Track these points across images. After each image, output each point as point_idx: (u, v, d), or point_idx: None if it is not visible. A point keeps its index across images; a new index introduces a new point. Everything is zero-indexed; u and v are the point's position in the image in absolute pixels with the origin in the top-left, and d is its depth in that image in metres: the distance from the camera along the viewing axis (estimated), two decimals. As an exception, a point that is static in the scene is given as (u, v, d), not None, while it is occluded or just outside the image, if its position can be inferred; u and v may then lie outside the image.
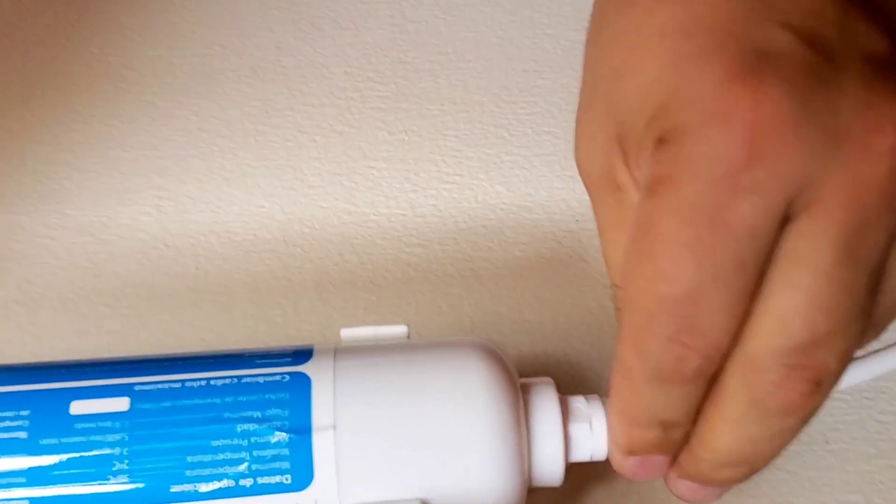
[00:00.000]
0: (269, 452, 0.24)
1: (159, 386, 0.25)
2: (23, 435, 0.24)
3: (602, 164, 0.24)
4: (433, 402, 0.25)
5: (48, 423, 0.24)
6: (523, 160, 0.38)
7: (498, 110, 0.40)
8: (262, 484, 0.24)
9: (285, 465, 0.24)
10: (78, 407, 0.24)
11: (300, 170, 0.38)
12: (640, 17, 0.22)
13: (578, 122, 0.25)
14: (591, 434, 0.26)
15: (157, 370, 0.25)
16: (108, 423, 0.24)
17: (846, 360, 0.22)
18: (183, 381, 0.25)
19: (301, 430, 0.24)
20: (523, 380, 0.27)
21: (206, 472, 0.24)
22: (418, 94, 0.41)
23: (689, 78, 0.21)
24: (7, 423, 0.24)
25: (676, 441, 0.24)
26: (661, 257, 0.21)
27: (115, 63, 0.42)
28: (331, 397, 0.25)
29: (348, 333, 0.27)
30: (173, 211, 0.37)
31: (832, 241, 0.20)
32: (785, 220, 0.21)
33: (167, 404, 0.24)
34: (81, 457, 0.24)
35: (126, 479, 0.24)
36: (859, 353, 0.27)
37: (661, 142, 0.21)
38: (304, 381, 0.25)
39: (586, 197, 0.37)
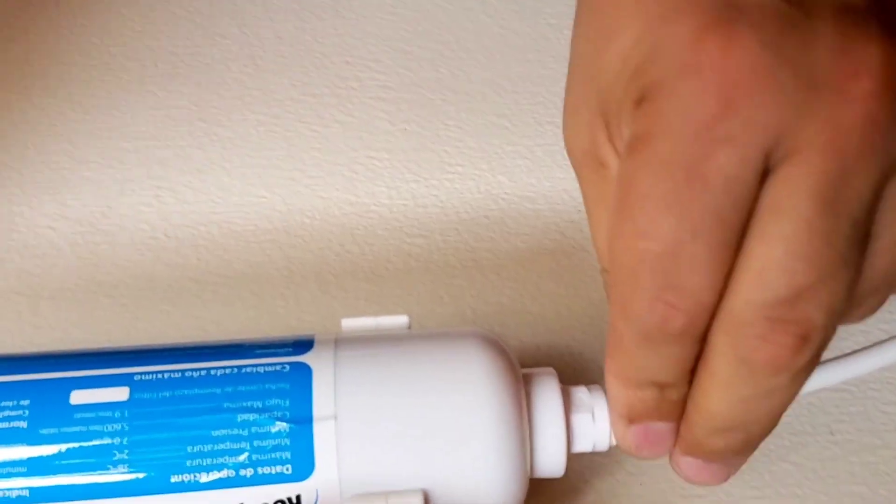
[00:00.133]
0: (269, 442, 0.24)
1: (159, 376, 0.24)
2: (23, 424, 0.24)
3: (586, 141, 0.24)
4: (434, 392, 0.25)
5: (48, 412, 0.24)
6: (525, 150, 0.38)
7: (500, 100, 0.40)
8: (263, 474, 0.24)
9: (286, 455, 0.24)
10: (78, 397, 0.24)
11: (301, 160, 0.38)
12: None
13: (564, 102, 0.25)
14: (594, 424, 0.26)
15: (157, 360, 0.25)
16: (108, 413, 0.24)
17: (833, 315, 0.21)
18: (183, 370, 0.25)
19: (302, 420, 0.24)
20: (525, 370, 0.27)
21: (207, 461, 0.24)
22: (420, 84, 0.40)
23: (664, 35, 0.20)
24: (7, 413, 0.24)
25: (674, 402, 0.24)
26: (640, 214, 0.21)
27: (116, 53, 0.42)
28: (332, 387, 0.24)
29: (349, 323, 0.27)
30: (174, 201, 0.37)
31: (811, 189, 0.20)
32: (764, 173, 0.20)
33: (167, 394, 0.24)
34: (81, 447, 0.24)
35: (126, 469, 0.24)
36: (863, 344, 0.26)
37: (639, 101, 0.21)
38: (304, 371, 0.25)
39: (588, 187, 0.37)
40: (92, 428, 0.24)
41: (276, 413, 0.24)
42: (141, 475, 0.24)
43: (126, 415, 0.24)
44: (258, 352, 0.25)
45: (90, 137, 0.39)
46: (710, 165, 0.20)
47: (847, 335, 0.32)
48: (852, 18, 0.20)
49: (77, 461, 0.24)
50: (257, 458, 0.24)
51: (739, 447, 0.24)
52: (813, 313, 0.21)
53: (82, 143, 0.38)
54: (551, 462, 0.26)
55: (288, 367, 0.25)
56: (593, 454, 0.27)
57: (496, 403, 0.25)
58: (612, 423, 0.25)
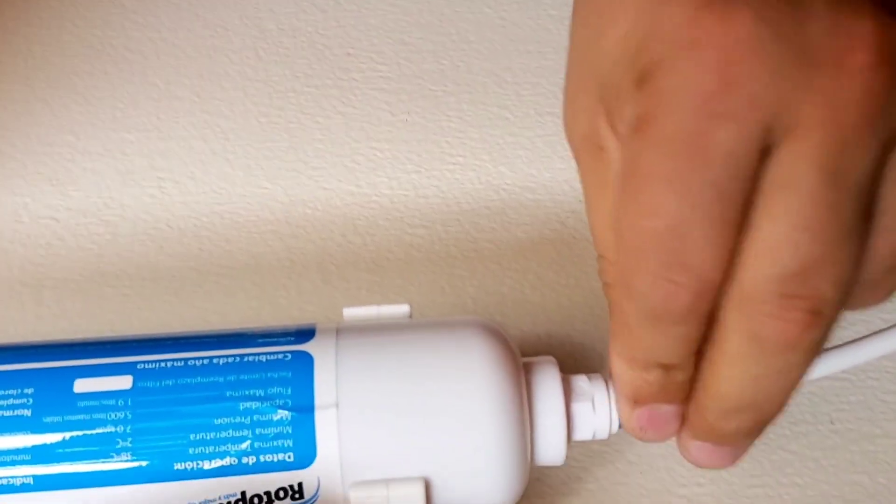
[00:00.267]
0: (271, 430, 0.24)
1: (162, 364, 0.25)
2: (27, 413, 0.24)
3: (585, 126, 0.24)
4: (435, 381, 0.25)
5: (52, 401, 0.24)
6: (526, 141, 0.38)
7: (501, 91, 0.40)
8: (265, 462, 0.24)
9: (288, 442, 0.24)
10: (81, 385, 0.24)
11: (303, 151, 0.38)
12: None
13: (564, 89, 0.25)
14: (594, 413, 0.26)
15: (160, 349, 0.25)
16: (112, 401, 0.24)
17: (842, 288, 0.21)
18: (185, 359, 0.25)
19: (304, 409, 0.24)
20: (525, 359, 0.27)
21: (209, 449, 0.24)
22: (421, 76, 0.41)
23: (661, 15, 0.20)
24: (11, 401, 0.24)
25: (680, 384, 0.23)
26: (644, 192, 0.21)
27: (118, 45, 0.42)
28: (333, 375, 0.25)
29: (350, 313, 0.27)
30: (176, 192, 0.37)
31: (813, 163, 0.20)
32: (765, 149, 0.20)
33: (170, 382, 0.24)
34: (85, 434, 0.24)
35: (129, 457, 0.24)
36: (863, 333, 0.27)
37: (639, 82, 0.21)
38: (306, 360, 0.25)
39: (589, 178, 0.37)
40: (95, 416, 0.24)
41: (278, 401, 0.24)
42: (144, 463, 0.24)
43: (129, 403, 0.24)
44: (260, 341, 0.25)
45: (93, 128, 0.39)
46: (711, 141, 0.20)
47: (847, 324, 0.32)
48: None
49: (81, 449, 0.24)
50: (259, 446, 0.24)
51: (750, 427, 0.24)
52: (823, 286, 0.21)
53: (85, 135, 0.39)
54: (552, 450, 0.26)
55: (290, 355, 0.25)
56: (593, 442, 0.27)
57: (497, 392, 0.25)
58: (618, 405, 0.25)
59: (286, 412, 0.24)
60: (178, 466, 0.24)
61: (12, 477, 0.24)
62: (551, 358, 0.27)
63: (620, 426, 0.26)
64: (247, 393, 0.24)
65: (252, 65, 0.41)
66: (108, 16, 0.43)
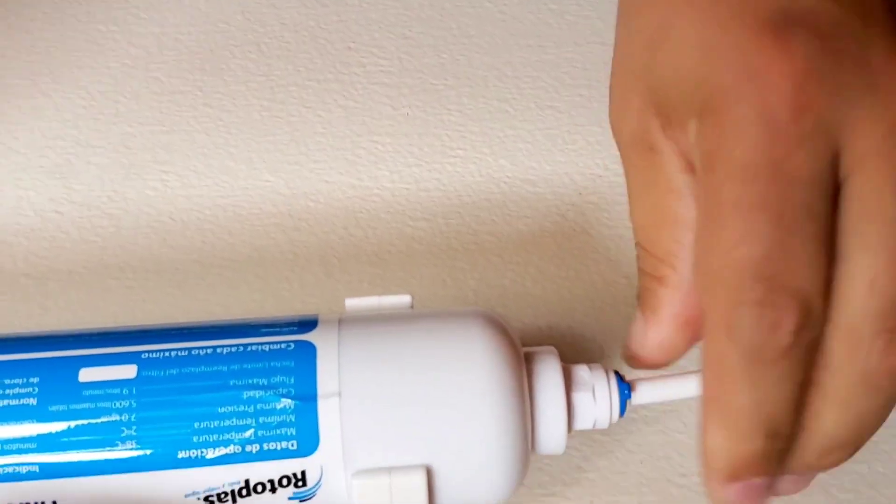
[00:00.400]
0: (274, 419, 0.24)
1: (166, 354, 0.25)
2: (32, 402, 0.24)
3: (635, 126, 0.24)
4: (437, 370, 0.25)
5: (57, 390, 0.24)
6: (527, 134, 0.39)
7: (501, 85, 0.40)
8: (268, 450, 0.24)
9: (291, 431, 0.24)
10: (86, 374, 0.24)
11: (304, 145, 0.38)
12: None
13: (613, 86, 0.25)
14: (594, 402, 0.26)
15: (164, 338, 0.25)
16: (116, 390, 0.24)
17: None
18: (190, 348, 0.25)
19: (306, 397, 0.24)
20: (526, 349, 0.27)
21: (213, 437, 0.24)
22: (422, 70, 0.41)
23: (721, 43, 0.21)
24: (17, 390, 0.24)
25: (781, 453, 0.22)
26: (733, 223, 0.20)
27: (121, 40, 0.42)
28: (335, 365, 0.25)
29: (352, 303, 0.28)
30: (179, 185, 0.37)
31: (895, 191, 0.20)
32: (837, 168, 0.20)
33: (174, 371, 0.25)
34: (90, 423, 0.24)
35: (134, 445, 0.24)
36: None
37: (703, 114, 0.21)
38: (309, 349, 0.25)
39: (589, 171, 0.37)
40: (100, 405, 0.24)
41: (281, 390, 0.24)
42: (148, 451, 0.24)
43: (134, 392, 0.24)
44: (263, 330, 0.26)
45: (96, 122, 0.39)
46: (792, 163, 0.20)
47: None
48: None
49: (85, 437, 0.24)
50: (263, 435, 0.24)
51: (845, 460, 0.23)
52: None
53: (88, 128, 0.39)
54: (552, 439, 0.26)
55: (293, 345, 0.25)
56: (594, 432, 0.28)
57: (498, 381, 0.25)
58: (705, 481, 0.22)
59: (289, 401, 0.24)
60: (182, 454, 0.24)
61: (18, 465, 0.24)
62: (552, 348, 0.27)
63: (621, 415, 0.27)
64: (250, 382, 0.24)
65: (254, 59, 0.41)
66: (111, 10, 0.43)
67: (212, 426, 0.24)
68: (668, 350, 0.24)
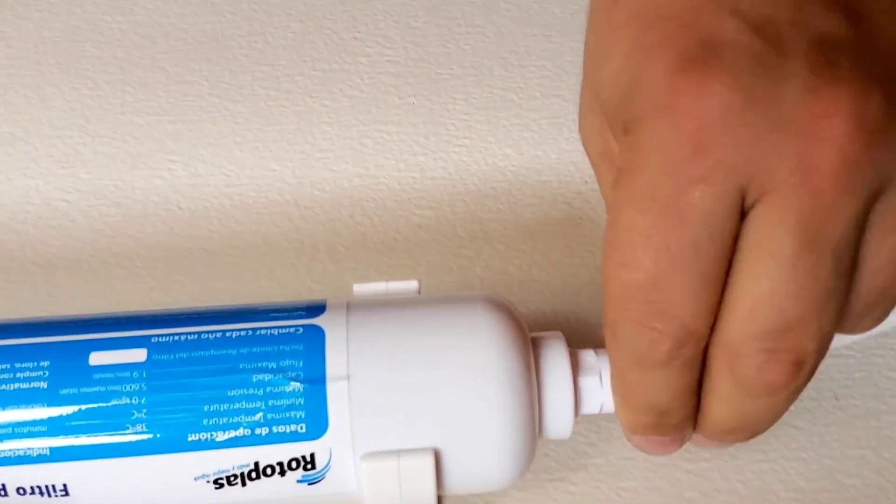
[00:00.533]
0: (284, 402, 0.24)
1: (176, 337, 0.25)
2: (43, 385, 0.24)
3: (598, 142, 0.25)
4: (445, 353, 0.25)
5: (68, 373, 0.24)
6: (532, 123, 0.39)
7: (507, 74, 0.40)
8: (278, 433, 0.24)
9: (300, 414, 0.24)
10: (97, 358, 0.25)
11: (311, 134, 0.38)
12: (611, 5, 0.23)
13: (580, 103, 0.26)
14: (601, 386, 0.27)
15: (174, 323, 0.25)
16: (127, 374, 0.24)
17: (824, 340, 0.22)
18: (199, 332, 0.25)
19: (315, 380, 0.24)
20: (534, 334, 0.27)
21: (223, 420, 0.24)
22: (427, 59, 0.41)
23: (643, 69, 0.21)
24: (28, 374, 0.24)
25: (674, 425, 0.25)
26: (623, 245, 0.22)
27: (128, 30, 0.42)
28: (344, 348, 0.25)
29: (360, 288, 0.28)
30: (186, 175, 0.37)
31: (790, 229, 0.21)
32: (742, 207, 0.21)
33: (184, 355, 0.25)
34: (100, 407, 0.24)
35: (144, 428, 0.24)
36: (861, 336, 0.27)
37: (624, 132, 0.22)
38: (317, 333, 0.25)
39: (595, 159, 0.37)
40: (111, 388, 0.24)
41: (290, 373, 0.25)
42: (158, 434, 0.24)
43: (144, 375, 0.24)
44: (273, 315, 0.26)
45: (103, 112, 0.39)
46: (685, 201, 0.21)
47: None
48: (827, 56, 0.20)
49: (96, 421, 0.24)
50: (272, 417, 0.24)
51: (747, 439, 0.25)
52: (804, 342, 0.22)
53: (95, 118, 0.39)
54: (559, 423, 0.26)
55: (302, 329, 0.25)
56: (601, 417, 0.28)
57: (505, 365, 0.25)
58: (621, 427, 0.26)
59: (298, 384, 0.24)
60: (191, 437, 0.24)
61: (29, 448, 0.24)
62: (559, 333, 0.27)
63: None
64: (259, 365, 0.25)
65: (260, 49, 0.41)
66: (118, 1, 0.43)
67: (221, 409, 0.24)
68: None
